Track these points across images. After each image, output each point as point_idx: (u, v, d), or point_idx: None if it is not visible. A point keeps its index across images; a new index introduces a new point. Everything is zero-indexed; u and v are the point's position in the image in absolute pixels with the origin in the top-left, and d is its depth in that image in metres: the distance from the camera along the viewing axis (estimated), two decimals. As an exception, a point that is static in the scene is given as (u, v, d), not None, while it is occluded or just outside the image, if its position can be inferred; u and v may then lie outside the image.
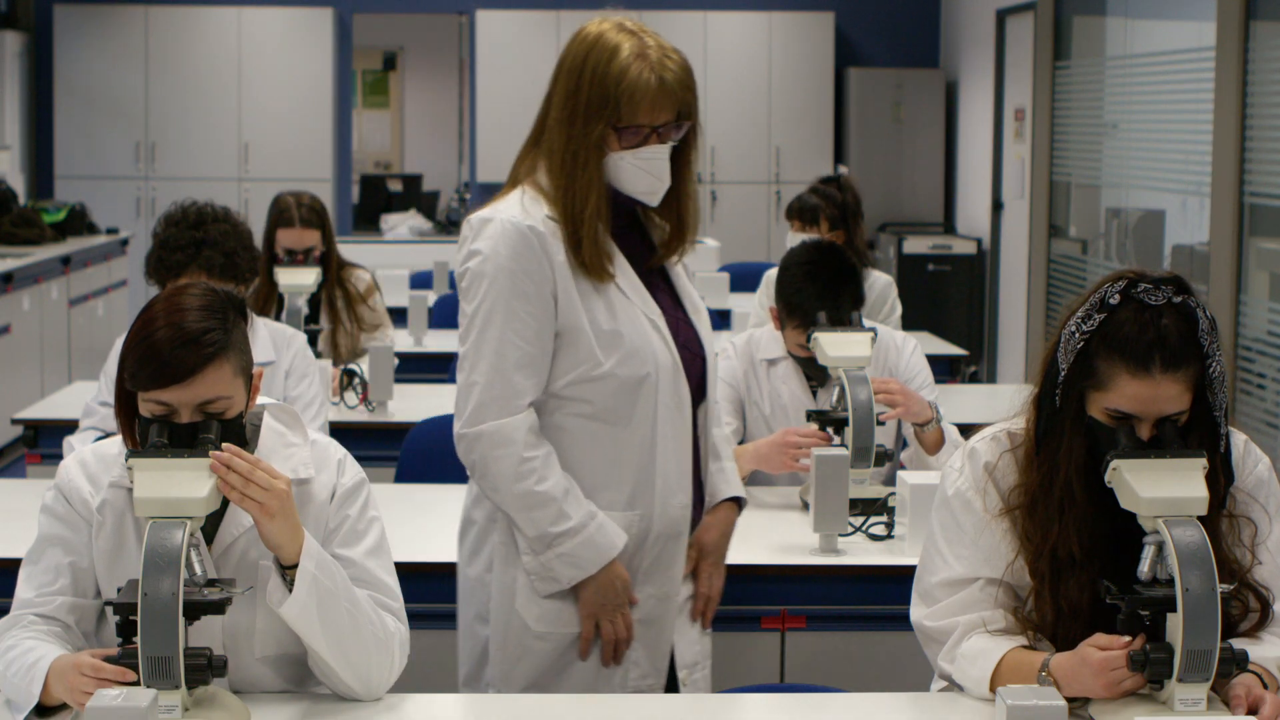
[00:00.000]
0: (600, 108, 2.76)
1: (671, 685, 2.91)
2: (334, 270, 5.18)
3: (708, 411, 2.95)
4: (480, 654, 2.91)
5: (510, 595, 2.85)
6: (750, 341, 4.00)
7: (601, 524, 2.79)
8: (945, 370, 5.99)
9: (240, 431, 2.45)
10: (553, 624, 2.84)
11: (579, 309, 2.79)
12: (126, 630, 2.28)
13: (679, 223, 2.92)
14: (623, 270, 2.84)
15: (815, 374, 3.87)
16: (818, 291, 3.75)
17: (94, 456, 2.55)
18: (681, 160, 2.88)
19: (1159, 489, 2.31)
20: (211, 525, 2.46)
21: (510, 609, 2.85)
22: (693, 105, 2.84)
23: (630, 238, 2.90)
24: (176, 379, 2.36)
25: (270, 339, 4.07)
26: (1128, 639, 2.34)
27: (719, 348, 4.04)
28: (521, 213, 2.79)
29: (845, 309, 3.77)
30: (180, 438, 2.37)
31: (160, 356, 2.36)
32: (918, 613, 2.58)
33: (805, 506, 3.65)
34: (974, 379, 9.93)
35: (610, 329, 2.80)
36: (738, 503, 3.04)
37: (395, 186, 15.10)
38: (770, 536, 3.49)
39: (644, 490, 2.83)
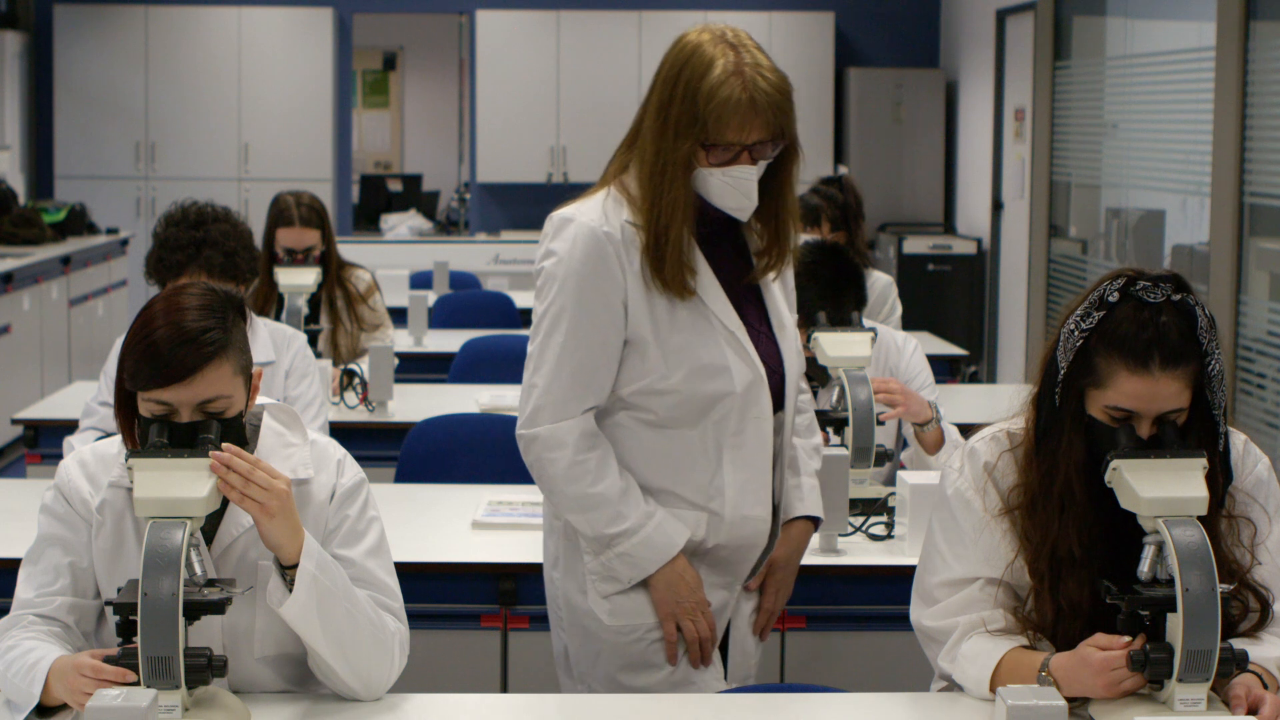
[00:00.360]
0: (689, 124, 2.69)
1: None
2: (334, 270, 5.18)
3: (785, 426, 2.87)
4: (564, 658, 2.89)
5: (580, 593, 2.82)
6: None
7: (660, 523, 2.74)
8: (945, 370, 5.99)
9: (240, 431, 2.45)
10: (626, 617, 2.79)
11: (648, 321, 2.74)
12: (126, 630, 2.28)
13: (776, 239, 2.84)
14: (706, 283, 2.77)
15: (815, 374, 3.87)
16: (820, 292, 3.75)
17: (93, 456, 2.55)
18: (781, 176, 2.80)
19: (1159, 489, 2.31)
20: (211, 525, 2.46)
21: (581, 607, 2.82)
22: (788, 125, 2.74)
23: (722, 245, 2.83)
24: (176, 378, 2.36)
25: (270, 339, 4.07)
26: (1127, 639, 2.34)
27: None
28: (601, 217, 2.75)
29: (847, 309, 3.77)
30: (180, 437, 2.37)
31: (160, 356, 2.36)
32: (917, 613, 2.59)
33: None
34: (974, 379, 9.93)
35: (680, 344, 2.74)
36: (814, 521, 2.97)
37: (395, 186, 15.09)
38: (770, 536, 3.48)
39: (714, 496, 2.77)
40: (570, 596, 2.84)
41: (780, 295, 2.91)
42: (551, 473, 2.76)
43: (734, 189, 2.73)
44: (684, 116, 2.69)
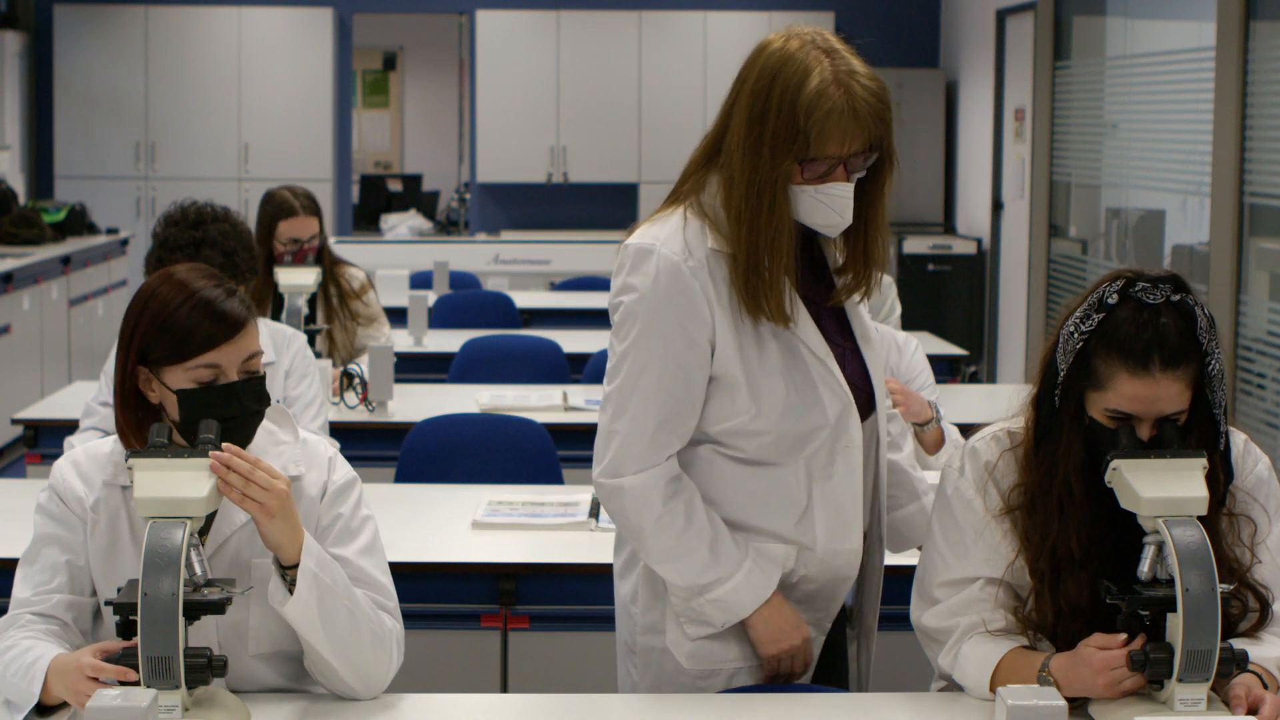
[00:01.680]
0: (788, 141, 2.48)
1: None
2: (328, 264, 5.19)
3: (879, 441, 2.72)
4: (630, 684, 2.77)
5: (656, 633, 2.69)
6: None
7: (752, 568, 2.59)
8: (945, 370, 5.99)
9: (263, 393, 2.48)
10: (706, 661, 2.67)
11: (737, 360, 2.56)
12: (126, 630, 2.28)
13: (864, 258, 2.66)
14: (797, 309, 2.59)
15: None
16: None
17: (86, 456, 2.56)
18: (872, 190, 2.59)
19: (1159, 489, 2.31)
20: (204, 524, 2.46)
21: (657, 647, 2.69)
22: (886, 136, 2.53)
23: (798, 261, 2.61)
24: (233, 332, 2.43)
25: (270, 339, 4.07)
26: (1125, 636, 2.34)
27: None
28: (684, 248, 2.55)
29: None
30: (223, 402, 2.41)
31: (214, 311, 2.42)
32: (918, 613, 2.58)
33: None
34: (974, 379, 9.93)
35: (771, 382, 2.57)
36: None
37: (395, 186, 15.09)
38: (770, 536, 3.48)
39: (805, 530, 2.63)
40: (648, 637, 2.70)
41: (861, 309, 2.74)
42: (637, 524, 2.58)
43: (828, 206, 2.54)
44: (782, 132, 2.49)
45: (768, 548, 2.63)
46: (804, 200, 2.54)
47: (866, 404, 2.68)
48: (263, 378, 2.48)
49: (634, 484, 2.58)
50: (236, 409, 2.42)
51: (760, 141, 2.51)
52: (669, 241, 2.57)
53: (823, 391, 2.60)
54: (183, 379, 2.42)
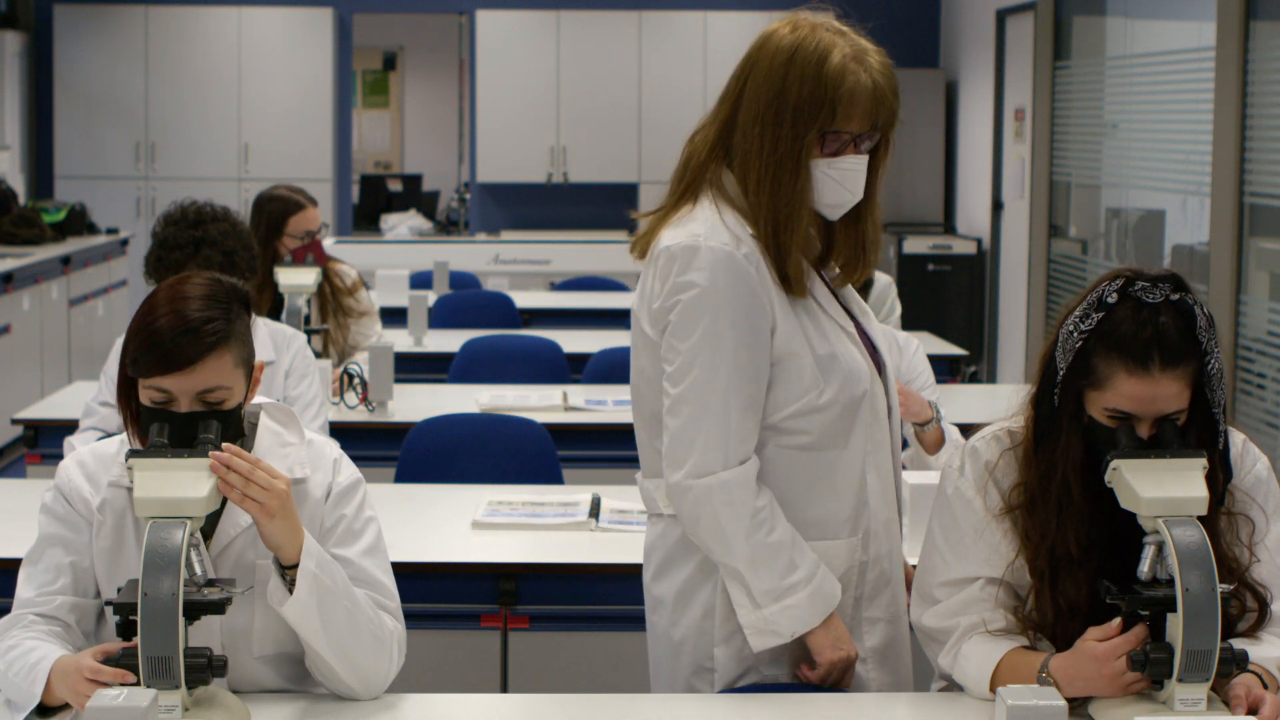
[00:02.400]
0: (814, 110, 2.52)
1: None
2: (322, 259, 5.19)
3: (894, 412, 2.74)
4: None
5: (706, 642, 2.66)
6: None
7: (825, 573, 2.59)
8: (945, 370, 5.99)
9: (238, 424, 2.45)
10: (750, 676, 2.67)
11: (799, 334, 2.58)
12: (126, 630, 2.28)
13: (861, 242, 2.70)
14: (814, 283, 2.64)
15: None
16: None
17: (92, 456, 2.55)
18: (871, 174, 2.64)
19: (1159, 489, 2.31)
20: (209, 525, 2.46)
21: (705, 666, 2.67)
22: (896, 114, 2.59)
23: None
24: (177, 367, 2.37)
25: (270, 339, 4.07)
26: (1120, 621, 2.33)
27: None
28: (730, 237, 2.56)
29: None
30: (179, 427, 2.37)
31: (162, 343, 2.36)
32: (918, 612, 2.58)
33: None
34: (974, 379, 9.93)
35: (826, 352, 2.59)
36: None
37: (395, 186, 15.09)
38: (770, 536, 3.48)
39: (861, 513, 2.65)
40: (701, 655, 2.67)
41: (850, 289, 2.78)
42: (729, 525, 2.54)
43: (839, 183, 2.58)
44: (805, 104, 2.52)
45: (831, 547, 2.64)
46: (816, 177, 2.57)
47: (880, 371, 2.72)
48: (228, 412, 2.41)
49: (723, 482, 2.55)
50: (190, 438, 2.38)
51: (781, 116, 2.54)
52: (712, 234, 2.57)
53: (855, 353, 2.64)
54: (142, 392, 2.41)
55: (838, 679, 2.66)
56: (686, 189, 2.66)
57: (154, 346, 2.37)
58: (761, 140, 2.56)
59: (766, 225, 2.57)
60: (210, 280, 2.47)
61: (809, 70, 2.54)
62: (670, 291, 2.57)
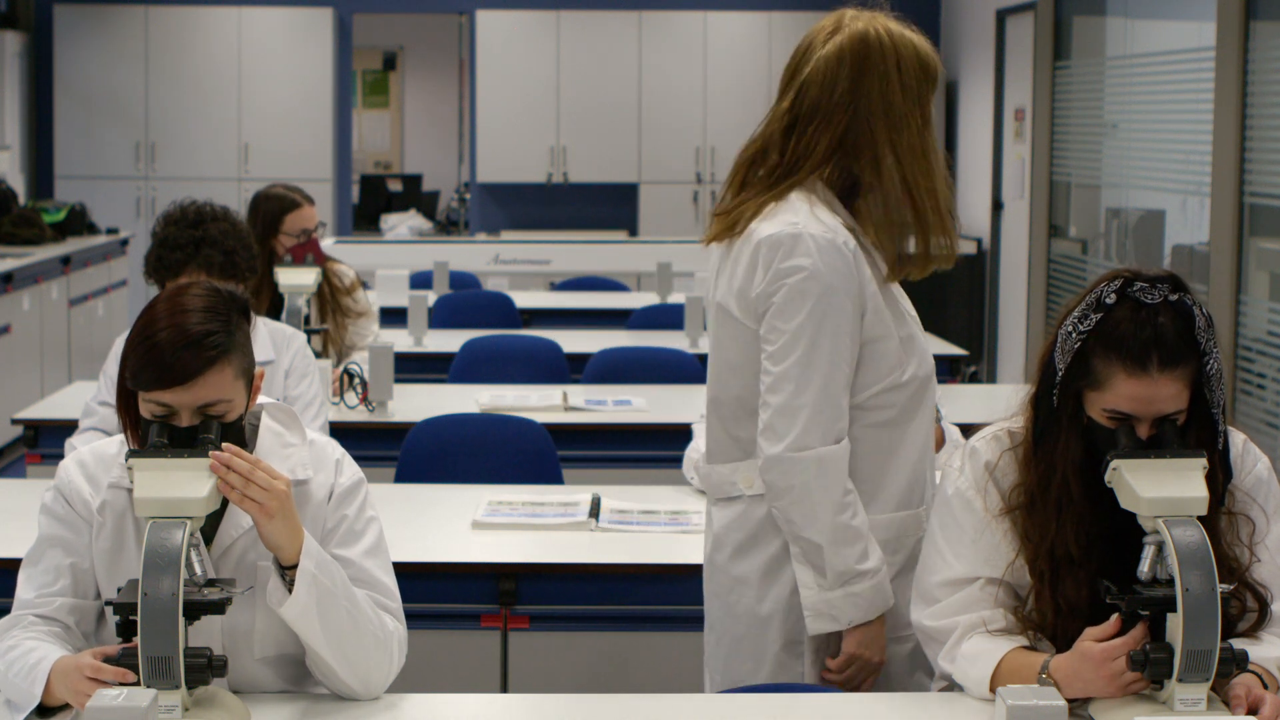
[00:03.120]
0: (926, 93, 2.81)
1: None
2: (320, 258, 5.19)
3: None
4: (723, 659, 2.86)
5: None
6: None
7: (887, 574, 2.73)
8: (945, 370, 5.99)
9: (240, 433, 2.44)
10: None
11: (889, 314, 2.77)
12: (126, 630, 2.28)
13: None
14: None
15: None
16: None
17: (93, 457, 2.55)
18: None
19: (1159, 489, 2.31)
20: (211, 526, 2.46)
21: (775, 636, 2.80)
22: None
23: None
24: (178, 381, 2.36)
25: (270, 339, 4.07)
26: (1118, 618, 2.33)
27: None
28: (829, 225, 2.72)
29: None
30: (180, 440, 2.37)
31: (162, 358, 2.35)
32: (918, 612, 2.58)
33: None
34: (974, 379, 9.93)
35: (906, 333, 2.80)
36: None
37: (395, 186, 15.10)
38: (770, 536, 3.48)
39: (917, 487, 2.82)
40: (791, 629, 2.78)
41: None
42: (820, 499, 2.67)
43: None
44: (923, 89, 2.79)
45: (906, 518, 2.80)
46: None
47: None
48: (230, 424, 2.41)
49: (826, 455, 2.68)
50: (190, 442, 2.36)
51: (909, 104, 2.79)
52: (810, 223, 2.72)
53: (923, 336, 2.88)
54: (142, 406, 2.41)
55: (859, 682, 2.71)
56: (779, 178, 2.80)
57: (154, 361, 2.36)
58: (907, 129, 2.77)
59: (928, 205, 2.80)
60: (209, 290, 2.46)
61: (906, 51, 2.78)
62: (774, 277, 2.71)
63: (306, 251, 5.04)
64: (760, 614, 2.79)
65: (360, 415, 4.77)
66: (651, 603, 3.40)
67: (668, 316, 6.82)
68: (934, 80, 2.82)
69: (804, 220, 2.72)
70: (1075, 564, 2.42)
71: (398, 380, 4.90)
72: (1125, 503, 2.35)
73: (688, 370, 5.53)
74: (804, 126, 2.78)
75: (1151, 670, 2.31)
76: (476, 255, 9.90)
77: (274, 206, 5.08)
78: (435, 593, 3.37)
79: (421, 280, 7.82)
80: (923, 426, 2.83)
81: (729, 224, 2.82)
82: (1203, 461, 2.34)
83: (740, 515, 2.81)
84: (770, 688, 2.66)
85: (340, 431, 4.47)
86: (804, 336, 2.68)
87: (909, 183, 2.78)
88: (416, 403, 4.86)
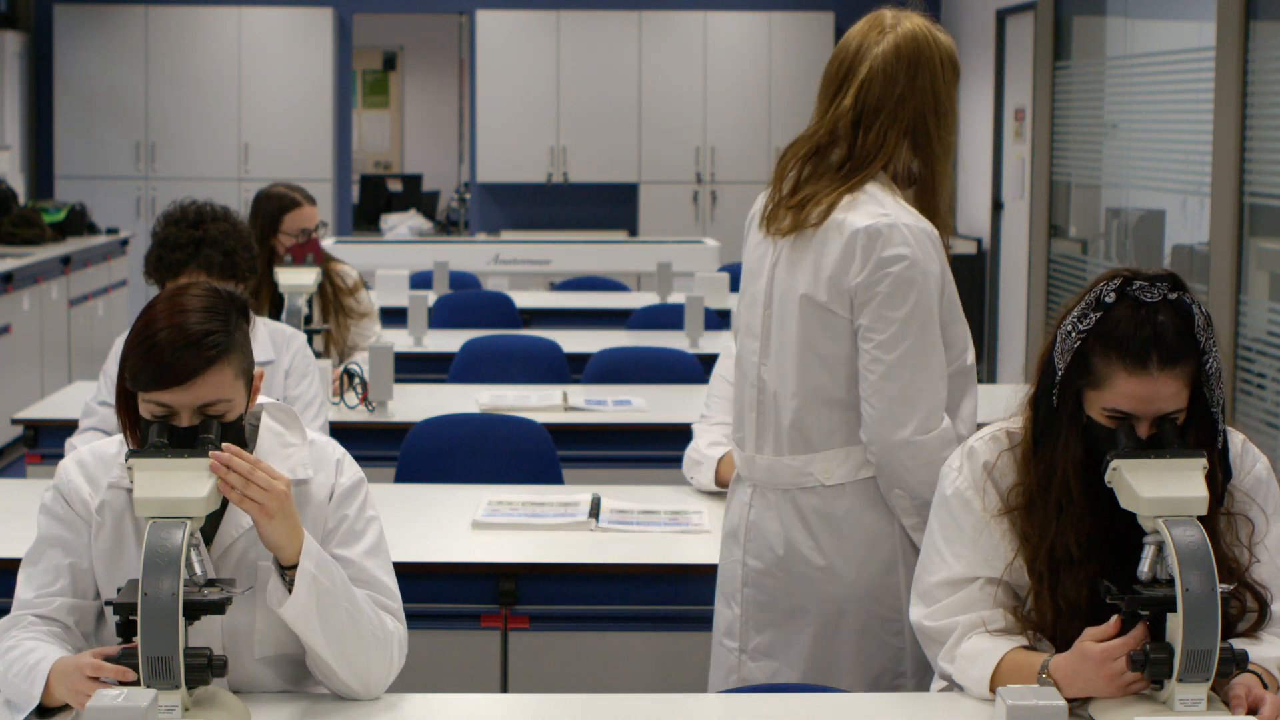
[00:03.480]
0: (955, 81, 2.94)
1: None
2: (322, 259, 5.19)
3: None
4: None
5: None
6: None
7: None
8: (945, 370, 5.98)
9: (240, 433, 2.44)
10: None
11: (957, 302, 2.89)
12: (126, 630, 2.28)
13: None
14: None
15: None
16: None
17: (92, 457, 2.55)
18: None
19: (1159, 489, 2.31)
20: (211, 526, 2.46)
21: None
22: None
23: None
24: (177, 381, 2.36)
25: (270, 338, 4.07)
26: (1119, 619, 2.33)
27: (722, 346, 4.04)
28: (916, 215, 2.86)
29: None
30: (179, 440, 2.37)
31: (162, 358, 2.35)
32: (917, 613, 2.58)
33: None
34: (974, 379, 9.91)
35: (963, 318, 2.93)
36: None
37: (395, 186, 15.11)
38: (770, 536, 3.48)
39: None
40: (887, 609, 2.90)
41: None
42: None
43: None
44: (951, 77, 2.94)
45: None
46: None
47: None
48: (230, 424, 2.41)
49: (945, 432, 2.83)
50: (189, 442, 2.36)
51: (940, 98, 2.91)
52: (900, 213, 2.84)
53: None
54: (142, 406, 2.41)
55: None
56: (851, 170, 2.90)
57: (153, 361, 2.36)
58: (947, 124, 2.92)
59: (940, 206, 2.92)
60: (208, 291, 2.46)
61: (949, 58, 2.93)
62: (876, 266, 2.81)
63: (307, 251, 5.04)
64: (857, 595, 2.87)
65: (360, 415, 4.77)
66: (651, 603, 3.40)
67: (668, 316, 6.82)
68: (958, 76, 2.97)
69: (893, 210, 2.83)
70: (1075, 564, 2.42)
71: (398, 380, 4.90)
72: (1125, 503, 2.35)
73: (688, 370, 5.53)
74: (870, 121, 2.88)
75: (1151, 670, 2.31)
76: (476, 255, 9.91)
77: (274, 205, 5.08)
78: (435, 593, 3.37)
79: (421, 280, 7.82)
80: (971, 407, 2.95)
81: (801, 216, 2.89)
82: (1203, 461, 2.34)
83: (827, 503, 2.89)
84: (771, 687, 2.66)
85: (340, 431, 4.47)
86: (913, 323, 2.80)
87: (947, 170, 2.95)
88: (416, 403, 4.86)
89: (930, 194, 2.91)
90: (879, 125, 2.88)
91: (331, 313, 5.20)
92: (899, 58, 2.88)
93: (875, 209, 2.83)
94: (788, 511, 2.91)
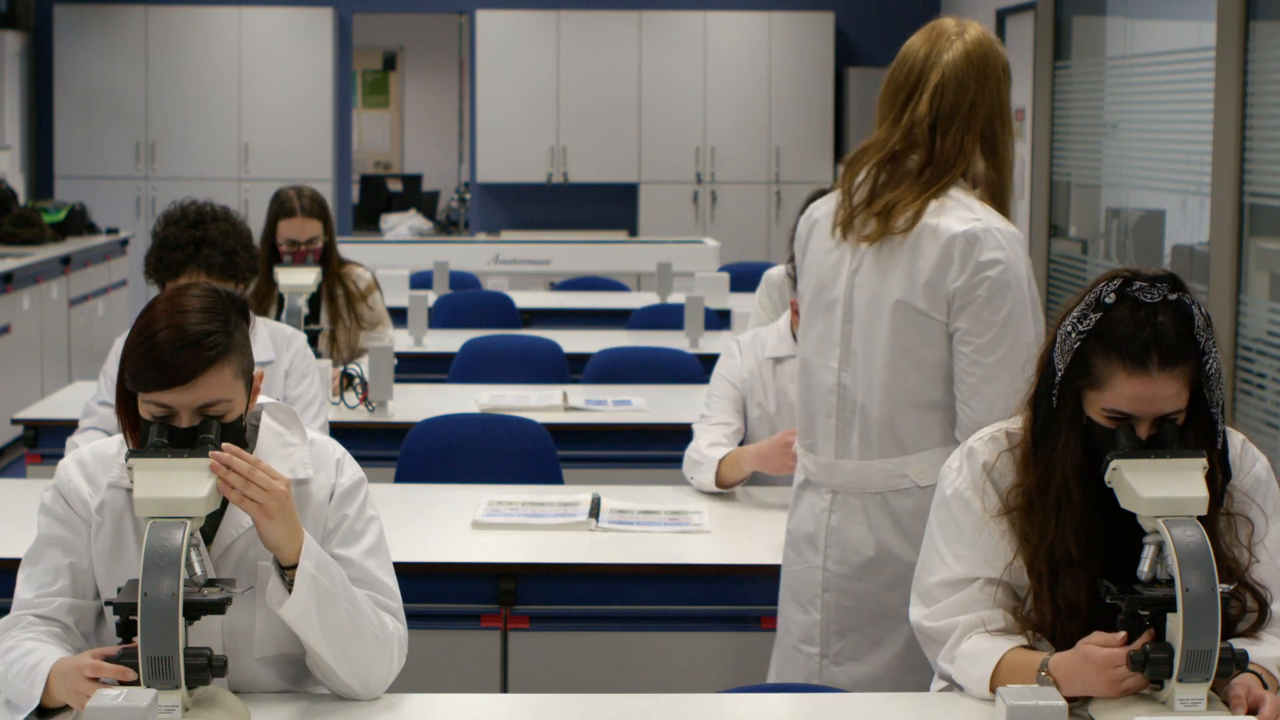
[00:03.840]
0: (1009, 91, 3.04)
1: None
2: (334, 267, 5.17)
3: None
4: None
5: None
6: (756, 339, 4.00)
7: None
8: (945, 370, 5.98)
9: (240, 434, 2.44)
10: None
11: (1039, 302, 2.96)
12: (126, 630, 2.28)
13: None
14: None
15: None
16: None
17: (92, 456, 2.55)
18: None
19: (1159, 489, 2.31)
20: (211, 526, 2.46)
21: None
22: None
23: None
24: (177, 382, 2.36)
25: (270, 338, 4.07)
26: (1125, 635, 2.33)
27: (722, 346, 4.05)
28: (1005, 219, 2.95)
29: None
30: (180, 441, 2.37)
31: (161, 359, 2.35)
32: (917, 613, 2.58)
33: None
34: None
35: (1041, 316, 2.96)
36: None
37: (395, 186, 15.11)
38: (770, 536, 3.49)
39: None
40: None
41: None
42: None
43: None
44: (1009, 84, 3.02)
45: None
46: None
47: None
48: (230, 424, 2.41)
49: None
50: (189, 443, 2.36)
51: (1004, 105, 2.99)
52: (990, 217, 2.92)
53: None
54: (142, 407, 2.41)
55: None
56: (930, 178, 2.95)
57: (153, 361, 2.36)
58: (1003, 133, 2.99)
59: (1008, 210, 2.99)
60: (208, 291, 2.46)
61: (1006, 65, 3.03)
62: (974, 271, 2.88)
63: (306, 255, 5.04)
64: None
65: (360, 415, 4.77)
66: (651, 603, 3.40)
67: (668, 316, 6.82)
68: (1010, 88, 3.04)
69: (983, 215, 2.91)
70: (1074, 564, 2.42)
71: (398, 380, 4.90)
72: (1125, 503, 2.35)
73: (688, 370, 5.53)
74: (946, 126, 2.95)
75: (1151, 670, 2.31)
76: (476, 255, 9.91)
77: (274, 207, 5.09)
78: (435, 593, 3.37)
79: (421, 280, 7.82)
80: None
81: (888, 223, 2.94)
82: (1203, 461, 2.34)
83: (917, 506, 2.91)
84: (771, 687, 2.66)
85: (340, 431, 4.47)
86: (1012, 325, 2.87)
87: (1008, 179, 3.01)
88: (416, 403, 4.86)
89: (1000, 197, 2.97)
90: (955, 130, 2.94)
91: (342, 320, 5.18)
92: (970, 64, 2.96)
93: (966, 214, 2.90)
94: (878, 514, 2.95)
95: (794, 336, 3.94)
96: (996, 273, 2.86)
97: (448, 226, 14.30)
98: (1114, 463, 2.34)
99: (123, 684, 2.25)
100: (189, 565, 2.28)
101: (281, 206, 5.07)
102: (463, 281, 8.14)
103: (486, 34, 11.23)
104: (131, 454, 2.33)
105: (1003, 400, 2.84)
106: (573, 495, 3.86)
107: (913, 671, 2.88)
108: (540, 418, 4.52)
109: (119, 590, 2.36)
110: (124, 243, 10.23)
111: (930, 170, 2.94)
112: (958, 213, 2.90)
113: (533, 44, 11.26)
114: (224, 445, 2.35)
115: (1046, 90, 9.13)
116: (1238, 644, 2.35)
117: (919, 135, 2.94)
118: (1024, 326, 2.88)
